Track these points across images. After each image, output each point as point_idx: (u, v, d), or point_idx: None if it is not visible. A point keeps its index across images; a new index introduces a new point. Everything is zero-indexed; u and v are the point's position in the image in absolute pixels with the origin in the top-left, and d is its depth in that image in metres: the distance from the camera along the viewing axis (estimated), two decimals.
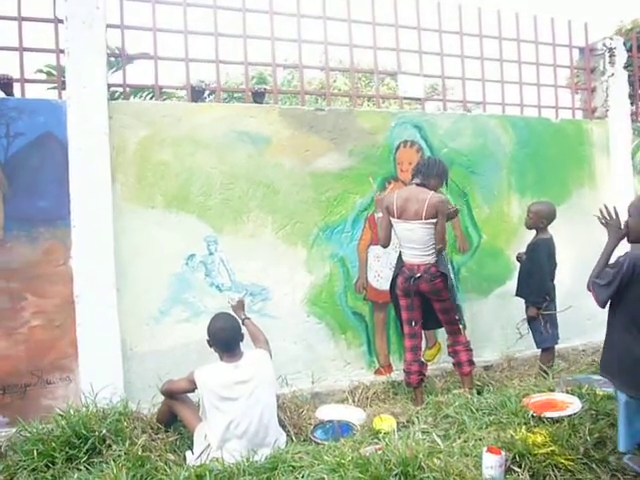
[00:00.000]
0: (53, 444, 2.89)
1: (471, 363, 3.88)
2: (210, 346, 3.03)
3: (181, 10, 3.75)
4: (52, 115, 3.40)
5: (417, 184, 3.73)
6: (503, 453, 2.59)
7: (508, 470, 2.60)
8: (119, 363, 3.49)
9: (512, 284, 4.59)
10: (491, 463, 2.54)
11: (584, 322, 4.67)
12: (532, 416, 3.11)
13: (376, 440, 3.11)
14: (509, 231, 4.63)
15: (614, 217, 2.51)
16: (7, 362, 3.35)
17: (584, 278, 4.73)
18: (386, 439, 3.05)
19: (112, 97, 3.97)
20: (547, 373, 3.86)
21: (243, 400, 2.85)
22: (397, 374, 4.17)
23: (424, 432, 3.14)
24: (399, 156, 4.20)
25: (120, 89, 3.83)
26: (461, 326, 3.88)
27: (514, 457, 2.65)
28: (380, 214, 3.92)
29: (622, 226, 2.50)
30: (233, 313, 3.31)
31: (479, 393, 3.76)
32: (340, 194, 4.07)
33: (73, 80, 3.38)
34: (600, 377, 3.85)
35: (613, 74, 4.93)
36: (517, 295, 4.12)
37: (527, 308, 4.01)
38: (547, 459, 2.63)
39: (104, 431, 2.99)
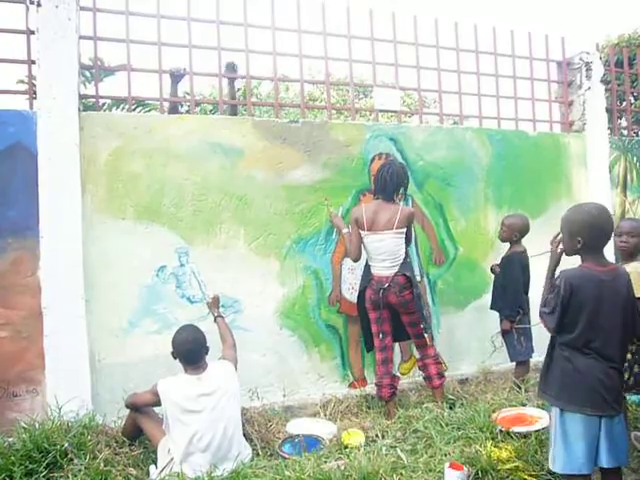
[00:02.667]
0: (12, 458, 2.84)
1: (441, 376, 3.87)
2: (174, 358, 3.00)
3: (155, 22, 3.75)
4: (22, 125, 3.39)
5: (383, 199, 3.76)
6: (465, 469, 2.57)
7: None
8: (87, 375, 3.46)
9: (489, 297, 4.58)
10: (452, 479, 2.52)
11: None
12: (500, 431, 3.09)
13: (341, 455, 3.08)
14: (486, 244, 4.63)
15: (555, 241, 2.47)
16: None
17: None
18: (351, 454, 3.03)
19: (91, 108, 3.98)
20: (520, 387, 3.84)
21: (207, 413, 2.83)
22: (372, 387, 4.13)
23: (391, 447, 3.12)
24: (374, 168, 4.19)
25: (96, 101, 3.81)
26: (427, 337, 3.88)
27: (477, 473, 2.63)
28: (345, 230, 3.91)
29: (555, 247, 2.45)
30: (208, 309, 3.41)
31: (451, 407, 3.75)
32: (314, 206, 4.06)
33: (44, 91, 3.38)
34: None
35: (590, 88, 4.97)
36: (492, 308, 4.11)
37: (501, 321, 4.00)
38: (510, 474, 2.62)
39: (66, 444, 2.95)
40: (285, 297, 3.99)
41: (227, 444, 2.87)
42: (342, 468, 2.81)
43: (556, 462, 2.27)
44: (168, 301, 3.71)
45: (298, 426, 3.57)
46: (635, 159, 5.25)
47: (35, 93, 3.48)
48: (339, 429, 3.53)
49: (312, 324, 4.07)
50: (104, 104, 5.40)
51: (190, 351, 2.93)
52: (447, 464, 2.59)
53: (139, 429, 3.16)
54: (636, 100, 7.52)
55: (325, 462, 2.96)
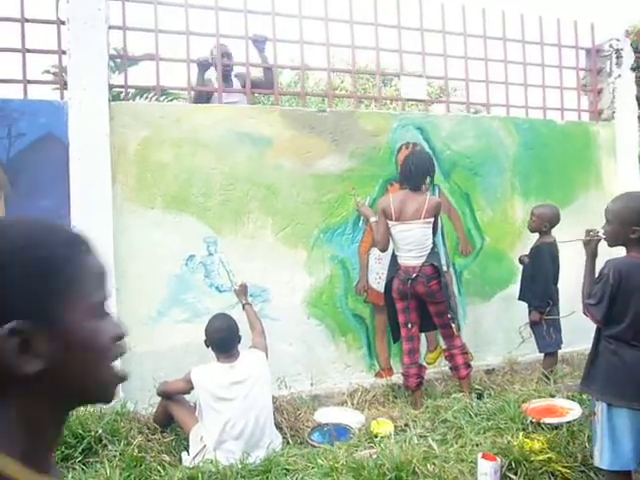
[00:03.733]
0: None
1: (468, 366, 3.86)
2: (207, 346, 3.02)
3: (183, 11, 3.75)
4: (53, 116, 3.42)
5: (411, 189, 3.74)
6: (498, 459, 2.56)
7: (503, 477, 2.57)
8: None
9: (516, 287, 4.55)
10: (486, 469, 2.52)
11: (587, 326, 4.57)
12: (531, 422, 3.08)
13: (372, 444, 3.09)
14: (513, 234, 4.59)
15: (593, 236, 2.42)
16: None
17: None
18: (381, 443, 3.04)
19: (117, 98, 4.01)
20: (548, 378, 3.82)
21: (239, 401, 2.85)
22: (398, 377, 4.13)
23: (421, 436, 3.12)
24: (400, 158, 4.17)
25: (124, 90, 3.83)
26: (454, 327, 3.87)
27: (510, 463, 2.62)
28: (373, 218, 3.91)
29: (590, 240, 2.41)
30: (236, 297, 3.47)
31: (479, 397, 3.74)
32: (341, 196, 4.05)
33: (74, 81, 3.40)
34: None
35: (620, 75, 4.87)
36: (520, 299, 4.08)
37: (530, 312, 3.97)
38: (543, 466, 2.60)
39: (100, 431, 3.00)
40: (312, 287, 3.99)
41: (259, 432, 2.90)
42: (374, 457, 2.83)
43: (603, 458, 2.25)
44: (197, 290, 3.74)
45: (326, 415, 3.58)
46: None
47: (65, 83, 3.51)
48: (367, 418, 3.54)
49: (339, 314, 4.07)
50: (128, 93, 5.41)
51: (223, 339, 2.95)
52: (480, 454, 2.59)
53: (171, 416, 3.20)
54: None
55: (356, 451, 2.98)
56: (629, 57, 4.89)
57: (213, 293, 3.78)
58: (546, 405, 3.30)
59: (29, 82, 3.50)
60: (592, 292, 2.27)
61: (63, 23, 3.46)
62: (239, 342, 3.02)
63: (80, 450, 2.90)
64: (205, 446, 2.89)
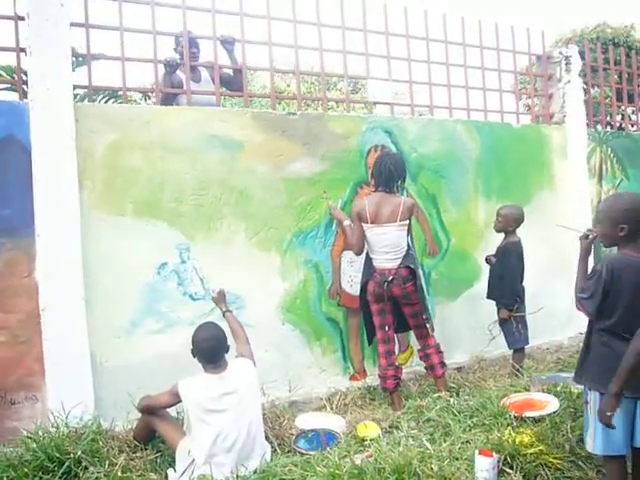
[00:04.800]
0: (25, 469, 2.70)
1: (443, 365, 3.93)
2: (194, 356, 2.91)
3: (149, 9, 3.61)
4: (14, 117, 3.19)
5: (385, 191, 3.77)
6: (495, 455, 2.61)
7: (500, 472, 2.63)
8: (89, 379, 3.32)
9: (480, 286, 4.69)
10: (484, 466, 2.57)
11: (547, 322, 4.79)
12: (514, 417, 3.17)
13: (362, 448, 3.08)
14: (476, 234, 4.72)
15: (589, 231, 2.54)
16: None
17: (547, 278, 4.92)
18: (373, 446, 3.04)
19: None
20: (521, 373, 3.96)
21: (230, 412, 2.76)
22: (372, 379, 4.16)
23: (409, 437, 3.15)
24: (370, 160, 4.19)
25: (89, 91, 3.63)
26: (429, 327, 3.93)
27: (505, 459, 2.68)
28: (347, 222, 3.91)
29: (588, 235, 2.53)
30: (214, 304, 3.37)
31: (456, 395, 3.82)
32: (313, 199, 4.03)
33: (36, 81, 3.19)
34: (569, 374, 4.02)
35: (569, 81, 5.12)
36: (488, 298, 4.19)
37: (499, 310, 4.09)
38: (536, 459, 2.68)
39: (79, 453, 2.83)
40: (287, 292, 3.94)
41: (251, 443, 2.82)
42: (371, 460, 2.82)
43: (596, 444, 2.35)
44: (170, 299, 3.61)
45: (307, 421, 3.53)
46: (609, 150, 5.47)
47: (24, 83, 3.29)
48: (349, 422, 3.53)
49: (313, 318, 4.04)
50: (76, 95, 5.15)
51: (211, 349, 2.85)
52: (477, 451, 2.63)
53: (152, 432, 3.06)
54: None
55: (346, 456, 2.96)
56: (577, 63, 5.14)
57: (187, 301, 3.66)
58: (524, 399, 3.41)
59: None
60: (585, 287, 2.36)
61: (22, 19, 3.24)
62: (227, 352, 2.93)
63: (59, 475, 2.72)
64: (194, 461, 2.78)
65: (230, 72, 4.13)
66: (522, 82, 7.56)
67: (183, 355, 3.56)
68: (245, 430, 2.79)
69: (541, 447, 2.75)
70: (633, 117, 6.36)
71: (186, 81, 3.76)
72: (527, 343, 4.13)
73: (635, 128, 6.10)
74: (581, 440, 2.85)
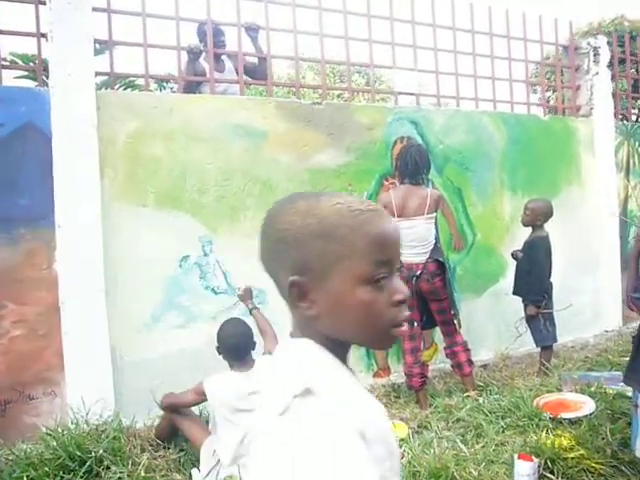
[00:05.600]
0: (46, 468, 2.60)
1: (471, 363, 3.82)
2: (219, 353, 2.81)
3: None
4: (34, 105, 3.10)
5: (412, 183, 3.66)
6: (535, 459, 2.50)
7: (541, 477, 2.53)
8: (109, 374, 3.23)
9: (505, 282, 4.58)
10: (525, 470, 2.45)
11: (573, 319, 4.66)
12: (549, 418, 3.06)
13: None
14: (502, 229, 4.60)
15: None
16: None
17: (573, 274, 4.80)
18: (404, 446, 2.94)
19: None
20: (551, 371, 3.85)
21: (257, 411, 2.65)
22: (396, 376, 4.06)
23: (440, 438, 3.05)
24: (396, 152, 4.07)
25: (111, 78, 3.53)
26: (456, 324, 3.82)
27: (544, 463, 2.58)
28: None
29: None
30: (241, 302, 3.22)
31: (481, 392, 3.71)
32: (338, 191, 3.90)
33: (57, 67, 3.09)
34: (599, 374, 3.91)
35: (597, 73, 4.98)
36: (515, 294, 4.07)
37: (526, 307, 3.97)
38: (578, 464, 2.57)
39: (101, 451, 2.74)
40: None
41: None
42: (402, 463, 2.72)
43: None
44: (192, 293, 3.51)
45: None
46: (637, 144, 5.32)
47: (45, 69, 3.19)
48: None
49: None
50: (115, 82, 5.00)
51: (237, 345, 2.75)
52: (516, 455, 2.52)
53: (175, 431, 2.97)
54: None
55: None
56: (606, 55, 5.00)
57: (209, 296, 3.56)
58: (557, 400, 3.30)
59: (4, 67, 3.16)
60: (638, 286, 2.25)
61: (42, 3, 3.14)
62: (254, 349, 2.83)
63: (81, 474, 2.63)
64: (219, 461, 2.68)
65: (254, 61, 4.01)
66: (537, 74, 7.38)
67: (205, 350, 3.49)
68: None
69: (582, 451, 2.63)
70: None
71: (210, 69, 3.64)
72: (555, 341, 4.01)
73: None
74: (623, 444, 2.75)
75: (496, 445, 2.86)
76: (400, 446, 2.96)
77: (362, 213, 0.78)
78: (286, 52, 4.19)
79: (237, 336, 2.75)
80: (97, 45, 3.43)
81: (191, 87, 3.80)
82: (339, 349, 0.82)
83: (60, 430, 2.90)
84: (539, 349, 4.15)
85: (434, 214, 3.67)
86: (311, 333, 0.82)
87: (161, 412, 3.08)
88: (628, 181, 5.29)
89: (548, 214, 3.94)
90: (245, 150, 3.62)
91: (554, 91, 5.25)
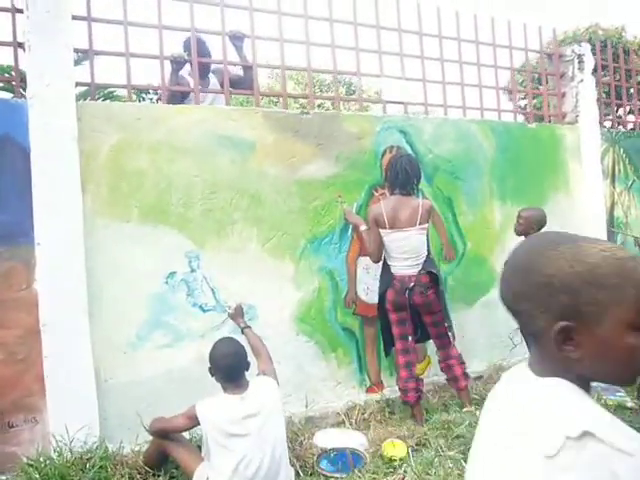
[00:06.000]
0: None
1: (466, 376, 3.76)
2: (211, 375, 2.68)
3: (155, 3, 3.38)
4: (11, 116, 2.96)
5: (402, 194, 3.59)
6: None
7: None
8: (94, 398, 3.08)
9: (496, 292, 4.48)
10: None
11: None
12: None
13: (391, 470, 2.89)
14: (491, 238, 4.55)
15: None
16: None
17: None
18: (404, 467, 2.85)
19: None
20: None
21: (253, 436, 2.53)
22: (389, 391, 3.97)
23: (440, 456, 2.95)
24: (385, 162, 4.01)
25: (92, 89, 3.39)
26: (451, 337, 3.75)
27: None
28: (363, 227, 3.72)
29: None
30: (232, 321, 3.14)
31: (477, 405, 3.64)
32: (327, 203, 3.83)
33: (35, 78, 2.95)
34: (594, 384, 3.85)
35: (582, 80, 4.98)
36: None
37: None
38: None
39: None
40: (301, 301, 3.73)
41: (275, 468, 2.59)
42: None
43: None
44: (179, 311, 3.38)
45: (326, 439, 3.33)
46: (622, 151, 5.34)
47: (22, 80, 3.05)
48: (373, 439, 3.32)
49: (329, 328, 3.83)
50: (97, 93, 4.84)
51: (230, 366, 2.62)
52: None
53: (165, 457, 2.83)
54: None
55: (375, 479, 2.76)
56: (590, 62, 5.01)
57: (197, 313, 3.43)
58: None
59: None
60: None
61: (20, 11, 3.00)
62: (247, 369, 2.71)
63: None
64: None
65: (240, 72, 3.90)
66: (523, 82, 7.41)
67: (193, 370, 3.37)
68: (269, 455, 2.56)
69: None
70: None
71: (194, 79, 3.53)
72: None
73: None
74: None
75: None
76: (400, 466, 2.87)
77: (627, 261, 0.84)
78: (268, 61, 4.10)
79: (231, 356, 2.63)
80: (77, 54, 3.30)
81: (175, 99, 3.68)
82: (586, 387, 0.87)
83: (42, 460, 2.75)
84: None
85: (426, 225, 3.61)
86: (564, 372, 0.85)
87: (149, 437, 2.94)
88: (614, 188, 5.30)
89: (542, 222, 3.90)
90: (232, 162, 3.51)
91: (534, 98, 5.18)
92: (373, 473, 2.84)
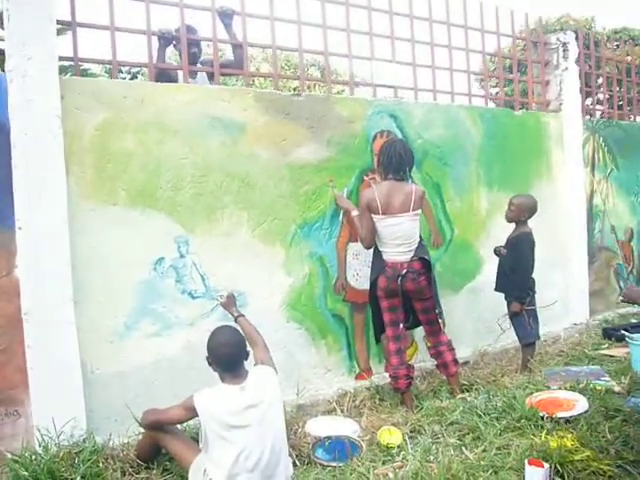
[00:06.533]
0: None
1: (456, 363, 3.77)
2: (209, 364, 2.59)
3: None
4: None
5: (396, 179, 3.54)
6: (545, 464, 2.43)
7: None
8: (79, 390, 2.94)
9: (481, 279, 4.55)
10: (537, 477, 2.38)
11: (544, 313, 4.58)
12: (543, 418, 3.01)
13: (389, 457, 2.86)
14: (478, 224, 4.56)
15: None
16: None
17: (543, 269, 4.81)
18: (402, 455, 2.83)
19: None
20: (530, 368, 3.86)
21: (254, 427, 2.46)
22: (378, 378, 3.95)
23: (437, 443, 2.95)
24: (376, 147, 3.94)
25: (76, 64, 3.19)
26: (441, 323, 3.75)
27: (555, 467, 2.51)
28: (355, 212, 3.66)
29: None
30: (224, 310, 3.08)
31: (467, 391, 3.66)
32: (318, 187, 3.74)
33: (16, 49, 2.76)
34: (579, 368, 3.92)
35: (567, 68, 5.01)
36: (497, 290, 4.03)
37: (509, 303, 3.93)
38: (587, 466, 2.51)
39: (78, 478, 2.48)
40: (291, 287, 3.66)
41: (275, 460, 2.53)
42: (401, 472, 2.61)
43: None
44: (168, 298, 3.25)
45: (319, 427, 3.28)
46: (601, 139, 5.41)
47: (1, 53, 2.85)
48: (366, 427, 3.29)
49: (319, 315, 3.77)
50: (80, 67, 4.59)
51: (230, 356, 2.53)
52: (526, 462, 2.44)
53: (158, 449, 2.74)
54: None
55: (374, 467, 2.73)
56: (574, 51, 5.03)
57: (186, 300, 3.31)
58: (549, 398, 3.27)
59: None
60: None
61: None
62: (247, 359, 2.62)
63: None
64: None
65: (230, 57, 3.75)
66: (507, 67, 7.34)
67: (182, 360, 3.28)
68: (269, 446, 2.49)
69: (587, 452, 2.59)
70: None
71: (183, 57, 3.37)
72: (538, 338, 4.01)
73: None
74: (624, 442, 2.73)
75: (497, 449, 2.78)
76: (398, 453, 2.85)
77: None
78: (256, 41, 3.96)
79: (230, 345, 2.54)
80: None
81: (162, 78, 3.50)
82: None
83: (28, 455, 2.61)
84: (518, 346, 4.15)
85: (419, 211, 3.57)
86: None
87: (138, 429, 2.84)
88: (593, 176, 5.37)
89: (533, 210, 3.92)
90: (222, 144, 3.39)
91: (505, 85, 5.13)
92: (371, 461, 2.80)
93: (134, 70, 8.55)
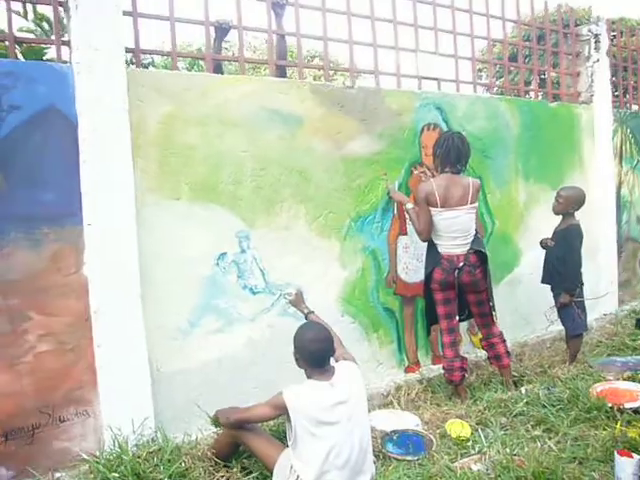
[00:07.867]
0: None
1: (509, 354, 3.78)
2: (296, 360, 2.55)
3: None
4: (56, 84, 2.66)
5: (453, 172, 3.53)
6: (636, 456, 2.45)
7: None
8: (148, 389, 2.89)
9: (519, 271, 4.57)
10: (629, 468, 2.40)
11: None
12: (611, 408, 3.04)
13: (465, 451, 2.86)
14: (516, 217, 4.57)
15: None
16: (9, 400, 2.61)
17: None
18: (477, 448, 2.83)
19: None
20: (575, 359, 3.92)
21: (343, 424, 2.44)
22: (426, 370, 3.96)
23: (508, 435, 2.95)
24: (424, 140, 3.93)
25: (137, 56, 3.10)
26: (494, 315, 3.75)
27: None
28: (410, 204, 3.64)
29: None
30: (294, 308, 3.05)
31: (516, 384, 3.68)
32: (371, 180, 3.71)
33: (83, 40, 2.67)
34: (624, 359, 3.97)
35: (598, 60, 5.02)
36: (544, 282, 4.04)
37: (557, 295, 3.95)
38: None
39: (166, 479, 2.44)
40: (346, 281, 3.63)
41: (362, 456, 2.51)
42: (484, 464, 2.61)
43: None
44: (230, 294, 3.21)
45: (380, 420, 3.28)
46: (629, 131, 5.45)
47: (64, 43, 2.76)
48: (429, 420, 3.29)
49: (371, 309, 3.76)
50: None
51: (319, 352, 2.50)
52: (616, 452, 2.46)
53: (237, 447, 2.70)
54: None
55: (454, 460, 2.73)
56: (606, 42, 5.05)
57: (247, 296, 3.27)
58: (610, 389, 3.30)
59: (17, 41, 2.69)
60: None
61: None
62: (333, 355, 2.60)
63: None
64: (299, 478, 2.45)
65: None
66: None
67: (244, 356, 3.26)
68: (358, 443, 2.48)
69: None
70: None
71: (239, 47, 3.31)
72: (587, 329, 4.04)
73: None
74: None
75: (573, 440, 2.80)
76: (472, 446, 2.85)
77: None
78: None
79: (319, 341, 2.51)
80: None
81: (217, 70, 3.43)
82: None
83: (109, 456, 2.56)
84: (554, 337, 4.19)
85: (476, 204, 3.57)
86: None
87: (204, 427, 2.82)
88: (621, 167, 5.42)
89: (581, 202, 3.94)
90: (280, 137, 3.33)
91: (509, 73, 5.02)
92: (446, 454, 2.80)
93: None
